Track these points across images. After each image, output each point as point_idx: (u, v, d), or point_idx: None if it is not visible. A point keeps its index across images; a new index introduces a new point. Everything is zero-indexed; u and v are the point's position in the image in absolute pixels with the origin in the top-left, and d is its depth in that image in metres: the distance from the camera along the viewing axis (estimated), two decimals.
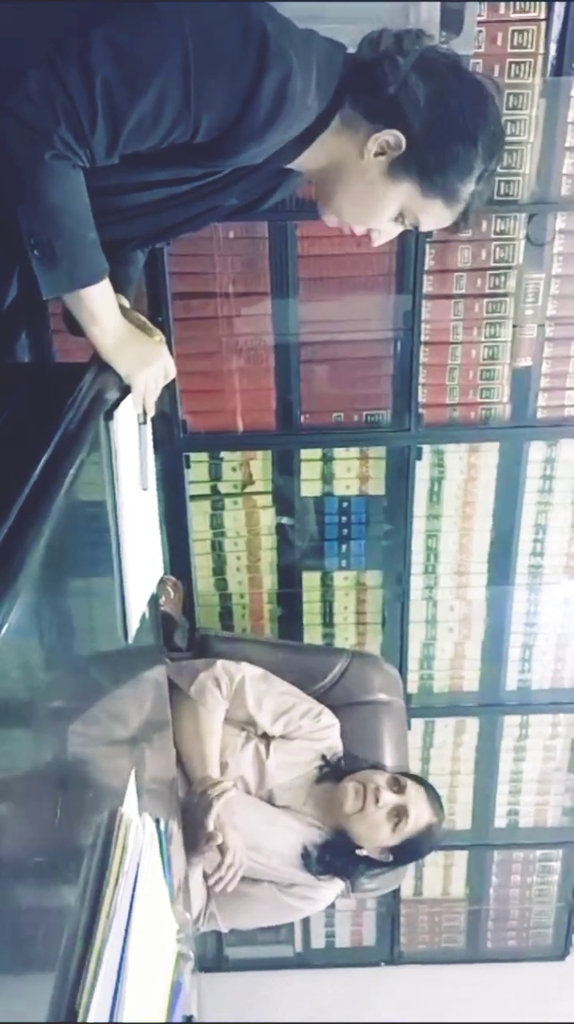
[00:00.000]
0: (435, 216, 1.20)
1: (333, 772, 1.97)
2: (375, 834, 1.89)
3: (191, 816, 1.72)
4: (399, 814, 1.87)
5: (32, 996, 0.78)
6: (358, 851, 1.91)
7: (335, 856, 1.92)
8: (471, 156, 1.15)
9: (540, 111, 1.97)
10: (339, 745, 2.03)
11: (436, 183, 1.16)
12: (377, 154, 1.15)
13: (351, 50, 1.18)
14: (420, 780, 2.00)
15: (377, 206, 1.20)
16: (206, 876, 1.79)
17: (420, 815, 1.90)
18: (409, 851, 1.94)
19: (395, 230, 1.25)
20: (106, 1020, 0.87)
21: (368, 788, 1.88)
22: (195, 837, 1.71)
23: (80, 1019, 0.82)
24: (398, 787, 1.91)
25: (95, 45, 1.00)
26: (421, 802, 1.92)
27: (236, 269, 2.10)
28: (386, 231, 1.25)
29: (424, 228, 1.23)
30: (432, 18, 1.70)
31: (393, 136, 1.13)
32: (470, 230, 1.29)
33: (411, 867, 2.68)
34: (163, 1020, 1.13)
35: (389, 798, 1.88)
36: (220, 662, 1.96)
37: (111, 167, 1.07)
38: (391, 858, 1.93)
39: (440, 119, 1.12)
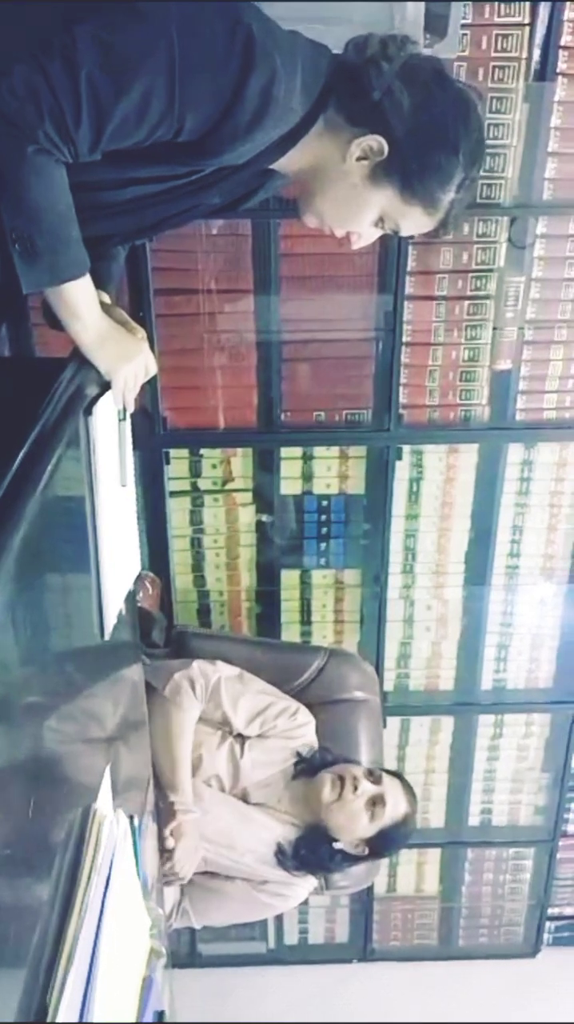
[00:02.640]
0: (415, 222, 1.21)
1: (308, 768, 1.97)
2: (353, 824, 1.90)
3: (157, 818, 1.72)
4: (376, 802, 1.89)
5: (1, 993, 0.78)
6: (334, 844, 1.92)
7: (311, 850, 1.93)
8: (452, 164, 1.16)
9: (523, 115, 1.98)
10: (315, 742, 2.04)
11: (417, 189, 1.16)
12: (359, 158, 1.16)
13: (337, 51, 1.18)
14: (394, 773, 2.02)
15: (358, 210, 1.20)
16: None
17: (397, 804, 1.92)
18: (385, 843, 1.95)
19: (374, 234, 1.25)
20: (77, 1016, 0.87)
21: (346, 778, 1.89)
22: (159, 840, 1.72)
23: (50, 1018, 0.82)
24: (374, 778, 1.92)
25: (81, 42, 1.00)
26: (397, 792, 1.93)
27: (219, 266, 2.10)
28: (366, 235, 1.25)
29: (404, 233, 1.24)
30: (417, 19, 1.70)
31: (376, 141, 1.14)
32: (451, 235, 1.30)
33: (384, 864, 2.70)
34: (134, 1015, 1.13)
35: (367, 787, 1.90)
36: (196, 663, 1.96)
37: (94, 163, 1.07)
38: (367, 851, 1.94)
39: (423, 126, 1.13)
